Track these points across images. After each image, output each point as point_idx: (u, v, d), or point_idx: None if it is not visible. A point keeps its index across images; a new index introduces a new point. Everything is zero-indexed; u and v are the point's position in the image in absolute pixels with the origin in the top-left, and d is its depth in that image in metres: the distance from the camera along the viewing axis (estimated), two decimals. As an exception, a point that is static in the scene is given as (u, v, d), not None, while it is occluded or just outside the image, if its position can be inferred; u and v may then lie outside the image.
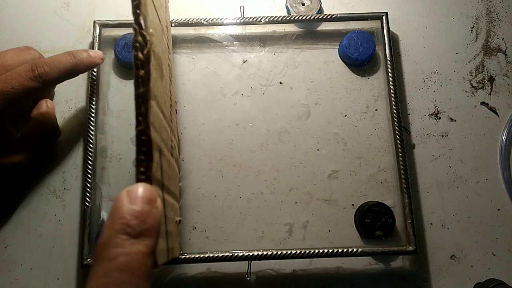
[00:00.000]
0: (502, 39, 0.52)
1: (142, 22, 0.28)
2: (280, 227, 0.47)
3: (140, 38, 0.28)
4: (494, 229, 0.47)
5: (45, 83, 0.40)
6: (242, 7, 0.51)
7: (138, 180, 0.27)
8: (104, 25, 0.50)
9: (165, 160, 0.33)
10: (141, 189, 0.26)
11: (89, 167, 0.45)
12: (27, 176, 0.46)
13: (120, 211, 0.26)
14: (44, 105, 0.45)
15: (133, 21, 0.28)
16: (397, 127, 0.47)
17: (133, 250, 0.25)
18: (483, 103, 0.50)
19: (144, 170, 0.27)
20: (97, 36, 0.49)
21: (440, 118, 0.50)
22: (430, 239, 0.47)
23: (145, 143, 0.27)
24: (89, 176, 0.45)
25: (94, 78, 0.48)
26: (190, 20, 0.49)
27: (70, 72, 0.42)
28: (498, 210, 0.48)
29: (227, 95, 0.50)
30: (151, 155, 0.27)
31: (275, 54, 0.51)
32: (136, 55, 0.27)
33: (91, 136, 0.46)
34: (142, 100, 0.27)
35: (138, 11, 0.28)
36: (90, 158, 0.46)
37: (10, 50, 0.43)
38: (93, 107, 0.47)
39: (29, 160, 0.43)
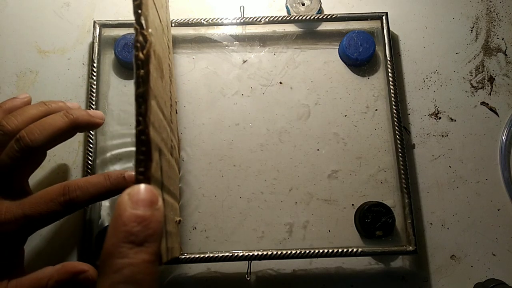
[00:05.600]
0: (502, 39, 0.52)
1: (143, 22, 0.28)
2: (280, 227, 0.47)
3: (141, 38, 0.27)
4: (494, 229, 0.47)
5: (73, 208, 0.36)
6: (242, 7, 0.51)
7: (137, 180, 0.27)
8: (104, 25, 0.50)
9: (165, 160, 0.33)
10: (142, 191, 0.26)
11: (89, 167, 0.45)
12: None
13: (122, 218, 0.25)
14: None
15: (134, 21, 0.28)
16: (397, 127, 0.47)
17: (138, 260, 0.25)
18: (483, 103, 0.50)
19: (143, 170, 0.27)
20: (97, 36, 0.49)
21: (440, 118, 0.50)
22: (430, 239, 0.47)
23: (145, 142, 0.27)
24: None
25: (94, 78, 0.48)
26: (190, 20, 0.49)
27: (101, 198, 0.38)
28: (498, 210, 0.48)
29: (227, 95, 0.50)
30: (151, 155, 0.27)
31: (275, 54, 0.51)
32: (137, 55, 0.27)
33: (91, 136, 0.46)
34: (142, 99, 0.27)
35: (139, 11, 0.28)
36: (90, 158, 0.46)
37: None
38: (93, 107, 0.47)
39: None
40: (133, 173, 0.37)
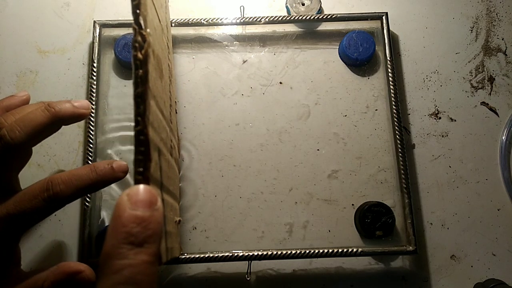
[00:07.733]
0: (502, 39, 0.52)
1: (142, 22, 0.28)
2: (280, 227, 0.47)
3: (139, 38, 0.27)
4: (494, 229, 0.47)
5: (58, 204, 0.35)
6: (242, 7, 0.51)
7: (136, 180, 0.27)
8: (104, 25, 0.50)
9: (164, 160, 0.33)
10: (141, 191, 0.26)
11: (89, 167, 0.45)
12: None
13: (121, 218, 0.25)
14: None
15: (133, 21, 0.28)
16: (397, 127, 0.47)
17: (137, 261, 0.25)
18: (483, 103, 0.50)
19: (142, 170, 0.27)
20: (97, 36, 0.49)
21: (440, 118, 0.50)
22: (430, 239, 0.47)
23: (144, 143, 0.27)
24: (89, 176, 0.45)
25: (94, 78, 0.48)
26: (190, 20, 0.49)
27: (88, 190, 0.37)
28: (498, 210, 0.47)
29: (227, 95, 0.50)
30: (149, 155, 0.27)
31: (275, 54, 0.51)
32: (136, 55, 0.27)
33: (91, 136, 0.46)
34: (141, 99, 0.27)
35: (138, 11, 0.28)
36: (90, 157, 0.46)
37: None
38: (93, 107, 0.47)
39: None
40: (122, 162, 0.37)
